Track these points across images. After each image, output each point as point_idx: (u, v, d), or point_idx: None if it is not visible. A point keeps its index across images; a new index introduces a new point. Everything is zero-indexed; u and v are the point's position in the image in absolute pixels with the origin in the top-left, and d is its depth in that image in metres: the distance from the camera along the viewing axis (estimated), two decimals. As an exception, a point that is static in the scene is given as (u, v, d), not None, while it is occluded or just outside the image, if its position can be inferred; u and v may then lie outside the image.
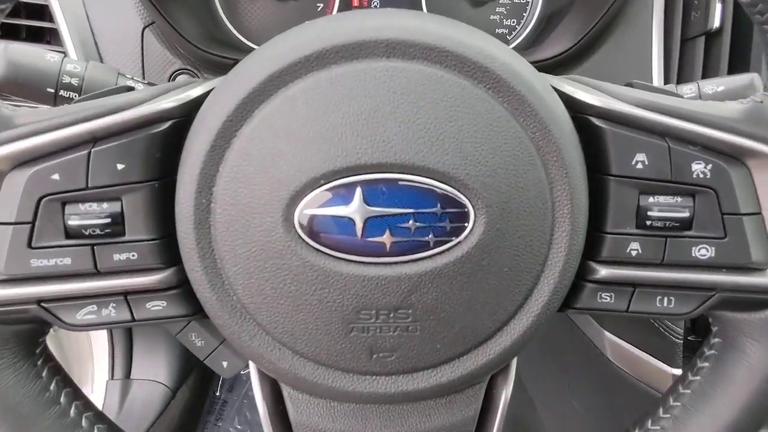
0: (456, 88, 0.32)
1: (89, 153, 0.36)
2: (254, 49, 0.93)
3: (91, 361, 1.08)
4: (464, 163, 0.32)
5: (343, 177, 0.32)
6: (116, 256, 0.38)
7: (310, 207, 0.32)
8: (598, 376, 0.99)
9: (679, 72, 0.73)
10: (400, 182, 0.32)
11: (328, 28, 0.34)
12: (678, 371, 0.82)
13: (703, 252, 0.39)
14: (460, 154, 0.32)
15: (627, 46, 0.73)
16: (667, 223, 0.38)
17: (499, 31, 0.95)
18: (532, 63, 0.79)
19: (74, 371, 1.09)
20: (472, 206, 0.33)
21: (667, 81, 0.73)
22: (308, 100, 0.32)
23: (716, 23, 0.69)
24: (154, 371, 1.12)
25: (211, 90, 0.41)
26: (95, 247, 0.37)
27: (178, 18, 0.71)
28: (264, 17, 0.89)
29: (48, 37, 0.77)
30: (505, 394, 0.41)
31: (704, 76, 0.73)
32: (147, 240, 0.38)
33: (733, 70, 0.71)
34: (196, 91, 0.40)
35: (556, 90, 0.41)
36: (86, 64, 0.54)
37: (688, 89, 0.56)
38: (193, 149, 0.34)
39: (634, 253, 0.39)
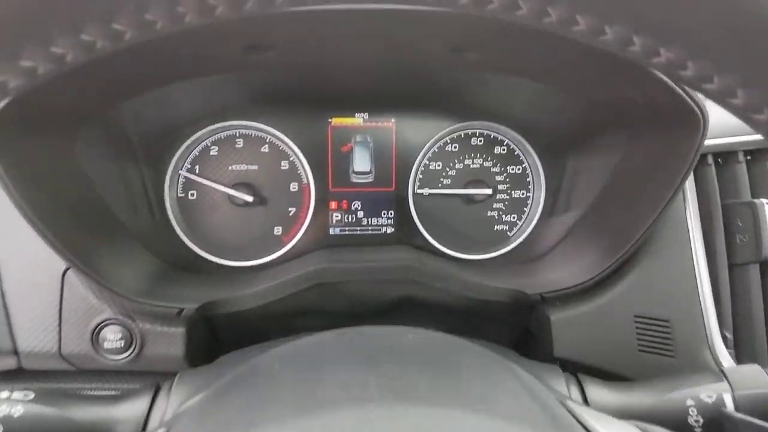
0: None
1: None
2: (214, 263, 0.81)
3: None
4: None
5: None
6: None
7: None
8: None
9: (733, 300, 0.60)
10: None
11: None
12: None
13: None
14: None
15: (664, 272, 0.60)
16: None
17: (499, 227, 0.84)
18: (551, 292, 0.66)
19: None
20: None
21: (719, 310, 0.60)
22: None
23: (771, 250, 0.57)
24: None
25: None
26: None
27: (104, 262, 0.56)
28: (226, 226, 0.76)
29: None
30: None
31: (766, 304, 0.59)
32: None
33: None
34: None
35: None
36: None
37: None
38: None
39: None
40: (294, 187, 0.77)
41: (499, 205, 0.82)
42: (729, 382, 0.44)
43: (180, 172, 0.74)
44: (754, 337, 0.58)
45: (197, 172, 0.75)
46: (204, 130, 0.74)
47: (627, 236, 0.58)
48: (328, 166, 0.77)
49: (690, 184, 0.61)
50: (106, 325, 0.58)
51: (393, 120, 0.78)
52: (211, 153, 0.75)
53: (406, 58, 0.56)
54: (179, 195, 0.75)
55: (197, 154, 0.75)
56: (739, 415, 0.34)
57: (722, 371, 0.45)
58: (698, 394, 0.44)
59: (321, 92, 0.74)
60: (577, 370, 0.60)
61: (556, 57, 0.51)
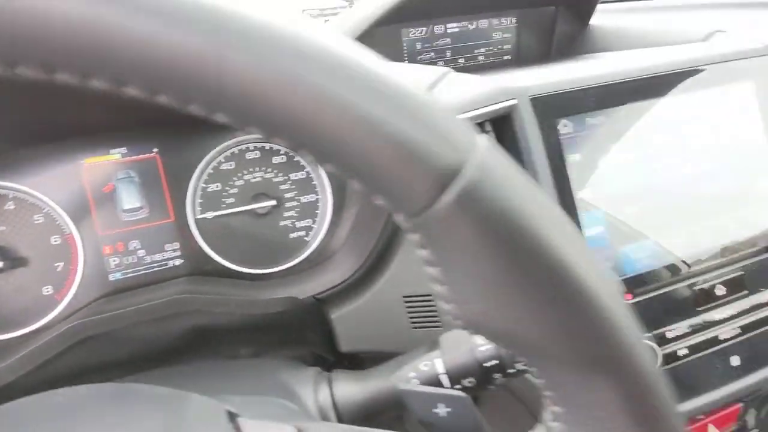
0: None
1: None
2: None
3: None
4: None
5: None
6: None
7: None
8: None
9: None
10: None
11: None
12: None
13: None
14: None
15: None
16: None
17: (294, 235, 0.84)
18: (322, 293, 0.68)
19: None
20: None
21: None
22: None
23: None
24: None
25: None
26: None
27: None
28: None
29: None
30: None
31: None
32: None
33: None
34: None
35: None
36: None
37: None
38: None
39: None
40: (56, 240, 0.71)
41: (291, 213, 0.82)
42: (441, 348, 0.47)
43: None
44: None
45: (-73, 247, 0.66)
46: (-74, 199, 0.65)
47: (374, 227, 0.61)
48: (90, 210, 0.72)
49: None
50: None
51: (155, 150, 0.74)
52: (-59, 224, 0.67)
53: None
54: None
55: (-75, 227, 0.66)
56: (408, 387, 0.37)
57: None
58: (418, 365, 0.47)
59: (66, 133, 0.69)
60: (361, 360, 0.62)
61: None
